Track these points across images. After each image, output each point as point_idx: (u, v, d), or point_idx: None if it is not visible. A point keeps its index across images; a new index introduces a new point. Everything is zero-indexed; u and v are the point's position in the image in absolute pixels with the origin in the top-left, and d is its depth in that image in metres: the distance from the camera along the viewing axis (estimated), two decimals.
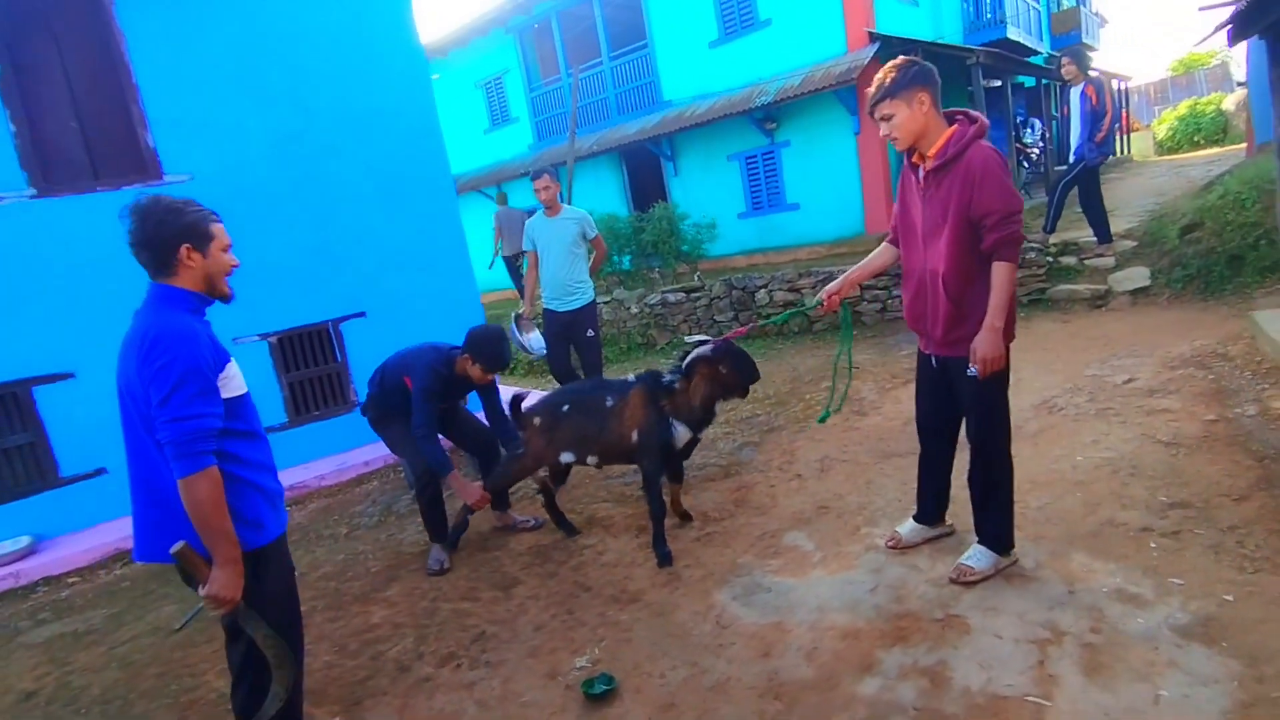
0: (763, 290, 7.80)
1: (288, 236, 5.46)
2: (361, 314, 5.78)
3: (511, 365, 8.49)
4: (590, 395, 3.52)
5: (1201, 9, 9.10)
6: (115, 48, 4.86)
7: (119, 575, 4.31)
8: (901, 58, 2.46)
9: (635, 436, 3.30)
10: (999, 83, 10.23)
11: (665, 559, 3.20)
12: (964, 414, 2.68)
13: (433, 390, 3.41)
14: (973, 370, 2.43)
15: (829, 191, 9.59)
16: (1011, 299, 2.39)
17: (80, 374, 4.82)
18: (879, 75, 2.44)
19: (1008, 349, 2.44)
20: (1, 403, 4.68)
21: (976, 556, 2.68)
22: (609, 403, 3.38)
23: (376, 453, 5.42)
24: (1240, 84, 25.70)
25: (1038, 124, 10.76)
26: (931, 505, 2.97)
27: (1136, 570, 2.58)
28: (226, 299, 1.98)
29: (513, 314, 5.21)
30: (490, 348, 3.41)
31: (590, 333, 4.94)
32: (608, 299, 8.79)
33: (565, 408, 3.50)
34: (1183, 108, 21.14)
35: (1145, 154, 19.80)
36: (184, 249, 1.84)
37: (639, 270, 9.94)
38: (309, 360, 5.64)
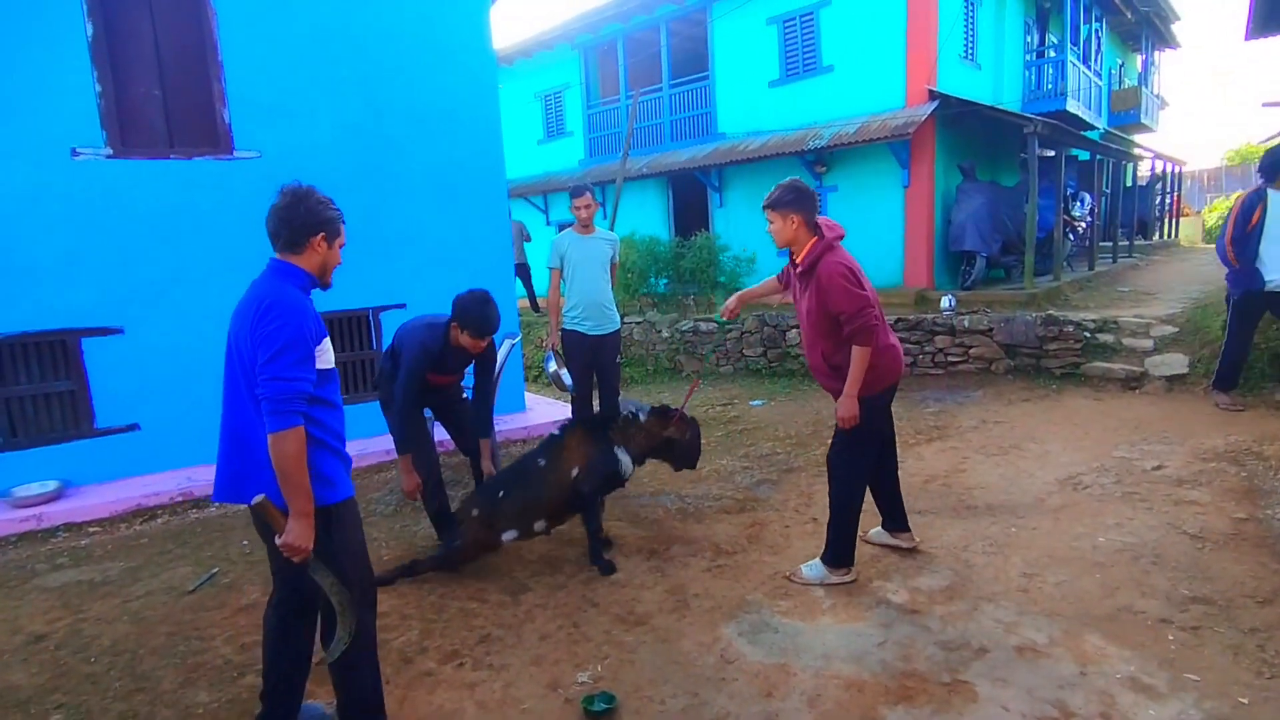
0: (794, 330, 7.82)
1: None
2: (402, 305, 5.89)
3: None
4: (522, 467, 3.61)
5: (1265, 105, 9.05)
6: (206, 24, 5.07)
7: (139, 530, 4.41)
8: (790, 180, 3.08)
9: (575, 472, 3.46)
10: (1052, 153, 10.24)
11: (608, 568, 3.48)
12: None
13: (418, 367, 3.39)
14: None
15: (871, 240, 9.60)
16: (864, 371, 2.99)
17: (129, 331, 4.97)
18: (776, 187, 3.08)
19: (864, 406, 3.05)
20: (50, 349, 4.83)
21: (810, 566, 3.28)
22: (541, 461, 3.51)
23: (384, 444, 5.49)
24: None
25: (1088, 198, 10.73)
26: (885, 513, 3.51)
27: (1152, 660, 2.55)
28: (327, 287, 2.20)
29: (548, 347, 5.21)
30: (474, 311, 3.34)
31: (617, 359, 4.98)
32: (640, 320, 8.87)
33: (501, 493, 3.51)
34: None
35: (1193, 240, 19.61)
36: (320, 236, 2.09)
37: (674, 295, 10.01)
38: (346, 344, 5.75)
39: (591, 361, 4.93)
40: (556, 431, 3.60)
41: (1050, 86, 11.82)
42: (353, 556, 2.15)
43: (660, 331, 8.66)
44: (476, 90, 6.25)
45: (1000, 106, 10.01)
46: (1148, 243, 15.89)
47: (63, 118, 4.71)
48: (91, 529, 4.49)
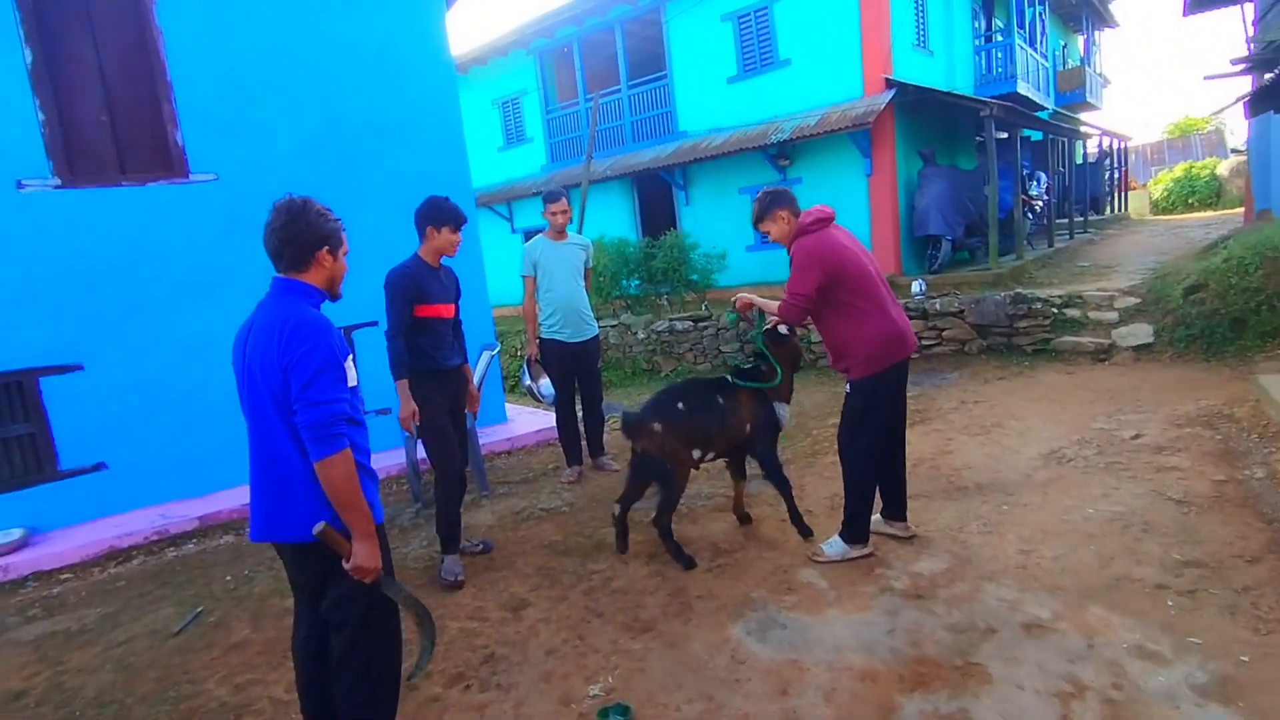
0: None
1: None
2: (374, 323, 5.76)
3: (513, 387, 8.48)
4: (695, 391, 3.58)
5: (1207, 78, 9.37)
6: (151, 43, 4.90)
7: (114, 574, 4.23)
8: (767, 188, 3.36)
9: (748, 429, 3.53)
10: (1005, 135, 10.45)
11: (809, 532, 3.59)
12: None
13: (400, 288, 3.44)
14: (847, 387, 3.28)
15: None
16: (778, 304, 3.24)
17: (89, 366, 4.77)
18: (755, 201, 3.33)
19: (865, 385, 3.19)
20: (6, 391, 4.62)
21: (830, 543, 3.37)
22: (719, 399, 3.51)
23: (380, 463, 5.38)
24: (1235, 150, 26.38)
25: (1043, 177, 10.98)
26: (885, 500, 3.50)
27: (1154, 627, 2.59)
28: (337, 298, 2.13)
29: (524, 358, 5.14)
30: (439, 201, 3.46)
31: (598, 365, 4.94)
32: (615, 323, 8.82)
33: (680, 405, 3.48)
34: (1179, 170, 21.66)
35: (1141, 213, 20.21)
36: (324, 250, 2.02)
37: (647, 296, 9.99)
38: None
39: (572, 369, 4.88)
40: (729, 379, 3.62)
41: (1000, 70, 12.07)
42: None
43: (636, 333, 8.62)
44: (437, 99, 6.16)
45: (954, 92, 10.18)
46: (1100, 218, 16.32)
47: (5, 149, 4.51)
48: (63, 576, 4.29)
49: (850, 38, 9.40)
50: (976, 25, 12.39)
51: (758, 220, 3.29)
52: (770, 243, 3.37)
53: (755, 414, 3.54)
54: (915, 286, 7.67)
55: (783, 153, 10.18)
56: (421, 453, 5.24)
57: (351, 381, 1.99)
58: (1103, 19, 18.74)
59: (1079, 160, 16.53)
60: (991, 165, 8.52)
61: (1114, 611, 2.71)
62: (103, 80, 4.83)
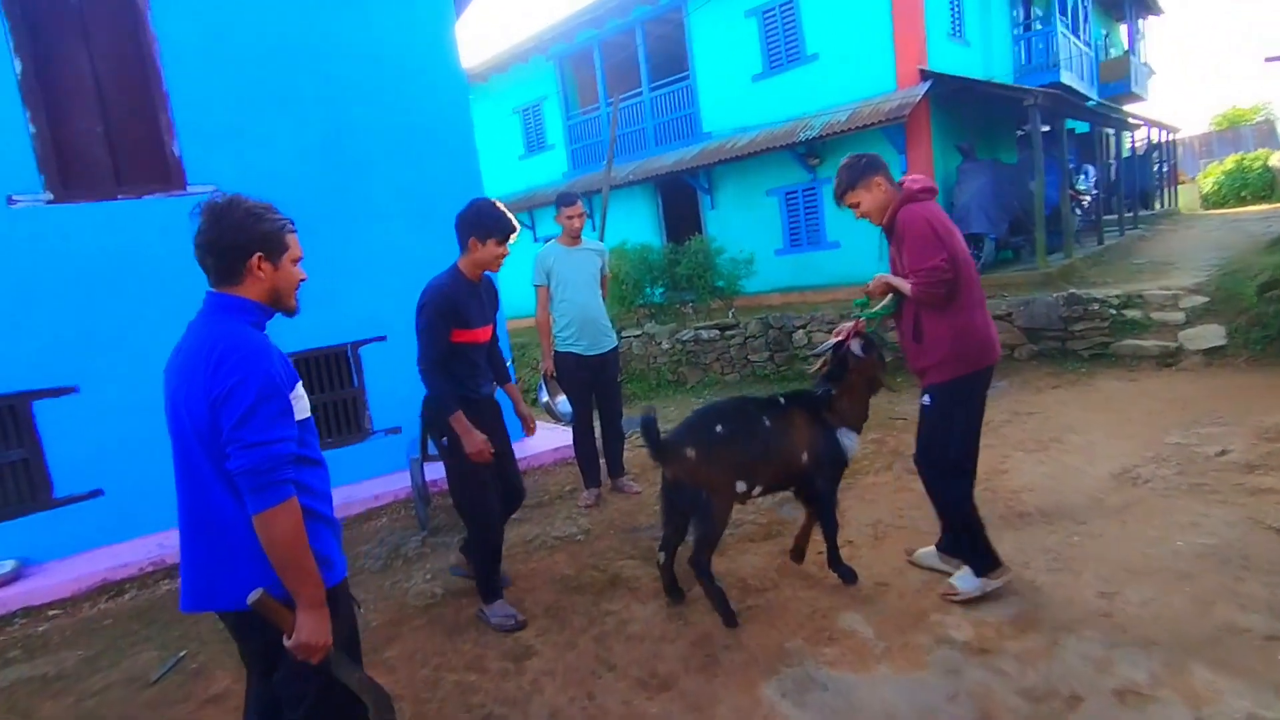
0: (801, 330, 7.43)
1: (311, 254, 5.07)
2: (382, 338, 5.50)
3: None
4: (739, 411, 3.08)
5: (1268, 59, 8.72)
6: (147, 51, 4.70)
7: (103, 610, 3.99)
8: (851, 155, 2.89)
9: (805, 458, 3.01)
10: (1049, 127, 9.89)
11: (851, 576, 3.14)
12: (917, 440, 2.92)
13: (437, 308, 2.93)
14: (926, 399, 2.81)
15: (871, 231, 9.21)
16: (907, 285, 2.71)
17: (84, 389, 4.56)
18: (838, 171, 2.87)
19: (949, 391, 2.75)
20: None
21: (962, 578, 2.85)
22: (766, 421, 3.01)
23: (387, 486, 5.09)
24: None
25: (1091, 170, 10.38)
26: (946, 532, 3.03)
27: (1268, 690, 2.15)
28: (291, 312, 1.82)
29: (542, 372, 4.80)
30: (487, 208, 3.01)
31: (618, 378, 4.59)
32: (638, 333, 8.47)
33: (719, 428, 2.96)
34: (1229, 163, 20.62)
35: (1191, 207, 19.26)
36: (256, 258, 1.67)
37: (671, 304, 9.62)
38: (324, 384, 5.35)
39: (590, 383, 4.54)
40: (782, 399, 3.11)
41: (1040, 60, 11.49)
42: (349, 650, 1.80)
43: (660, 343, 8.26)
44: (447, 105, 5.89)
45: (995, 81, 9.65)
46: (1150, 213, 15.53)
47: None
48: (51, 612, 4.06)
49: (882, 29, 8.96)
50: (1015, 14, 11.81)
51: (847, 188, 2.80)
52: (859, 218, 2.86)
53: (814, 441, 3.00)
54: None
55: (812, 151, 9.75)
56: (430, 475, 4.94)
57: (302, 414, 1.68)
58: (1147, 6, 17.94)
59: (1125, 153, 15.76)
60: (1037, 158, 7.99)
61: (1220, 672, 2.26)
62: (97, 89, 4.64)
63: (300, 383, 1.72)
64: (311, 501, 1.67)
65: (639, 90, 12.42)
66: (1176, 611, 2.61)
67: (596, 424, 4.74)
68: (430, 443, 4.40)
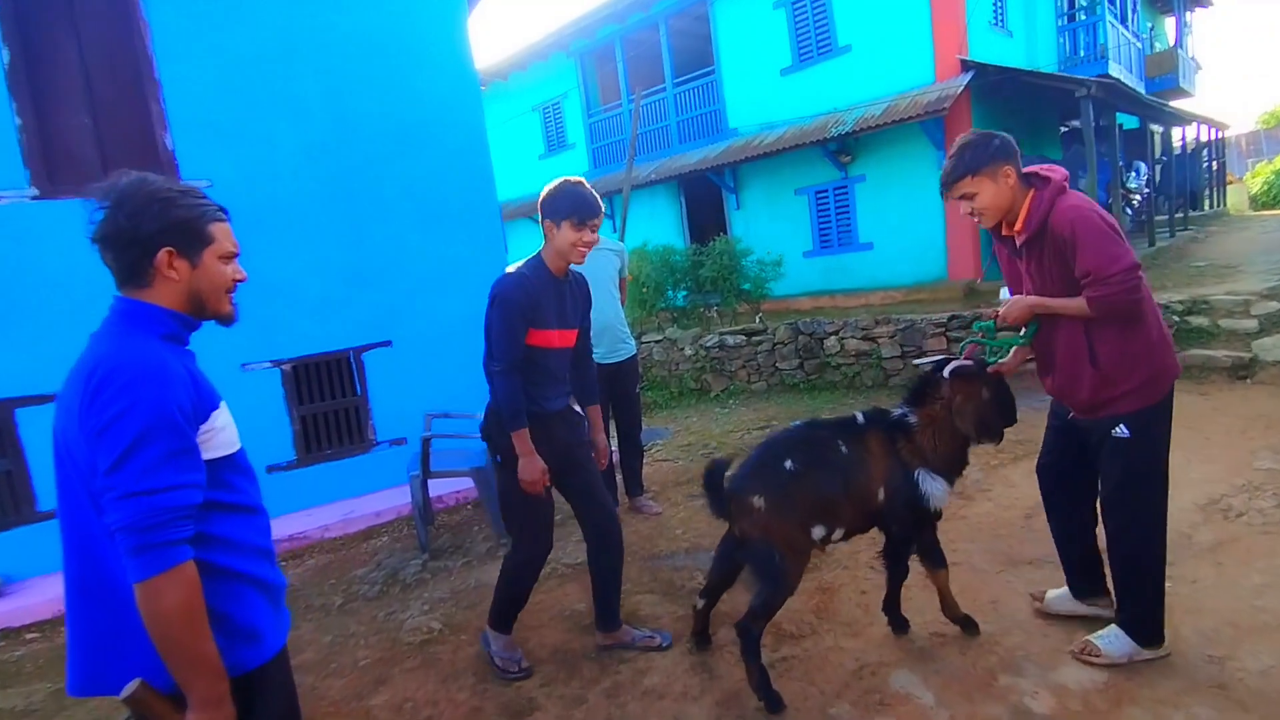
0: (833, 337, 6.99)
1: (312, 254, 4.92)
2: (387, 343, 5.18)
3: None
4: (810, 439, 2.54)
5: None
6: (139, 38, 4.43)
7: None
8: (976, 131, 2.33)
9: (881, 495, 2.46)
10: (1098, 122, 9.34)
11: (903, 627, 2.69)
12: (1102, 479, 2.39)
13: (512, 301, 2.47)
14: (1122, 431, 2.25)
15: (907, 231, 8.78)
16: (1079, 311, 2.18)
17: None
18: (954, 150, 2.29)
19: (1154, 416, 2.25)
20: None
21: (1109, 639, 2.36)
22: (843, 448, 2.46)
23: (389, 502, 4.76)
24: None
25: (1143, 167, 9.79)
26: (1076, 575, 2.60)
27: None
28: (226, 320, 1.46)
29: None
30: (567, 189, 2.52)
31: (637, 388, 4.22)
32: (660, 338, 8.08)
33: (789, 464, 2.43)
34: (1279, 162, 19.74)
35: (1240, 208, 18.42)
36: (164, 254, 1.32)
37: (695, 308, 9.22)
38: (325, 392, 5.03)
39: (606, 394, 4.16)
40: (860, 419, 2.56)
41: (1086, 52, 10.90)
42: None
43: (683, 349, 7.86)
44: (458, 100, 5.57)
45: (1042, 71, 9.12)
46: (1199, 214, 14.80)
47: None
48: (30, 634, 3.79)
49: (920, 17, 8.49)
50: (1059, 3, 11.23)
51: (967, 173, 2.20)
52: (969, 213, 2.29)
53: (889, 476, 2.45)
54: (1004, 293, 6.65)
55: (844, 148, 9.31)
56: (436, 490, 4.61)
57: (225, 448, 1.35)
58: None
59: (1174, 151, 15.05)
60: (1090, 154, 7.47)
61: None
62: (85, 79, 4.38)
63: (221, 409, 1.36)
64: (236, 560, 1.34)
65: (662, 87, 12.05)
66: None
67: (613, 438, 4.37)
68: (433, 458, 4.09)
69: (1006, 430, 2.56)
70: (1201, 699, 2.16)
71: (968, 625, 2.64)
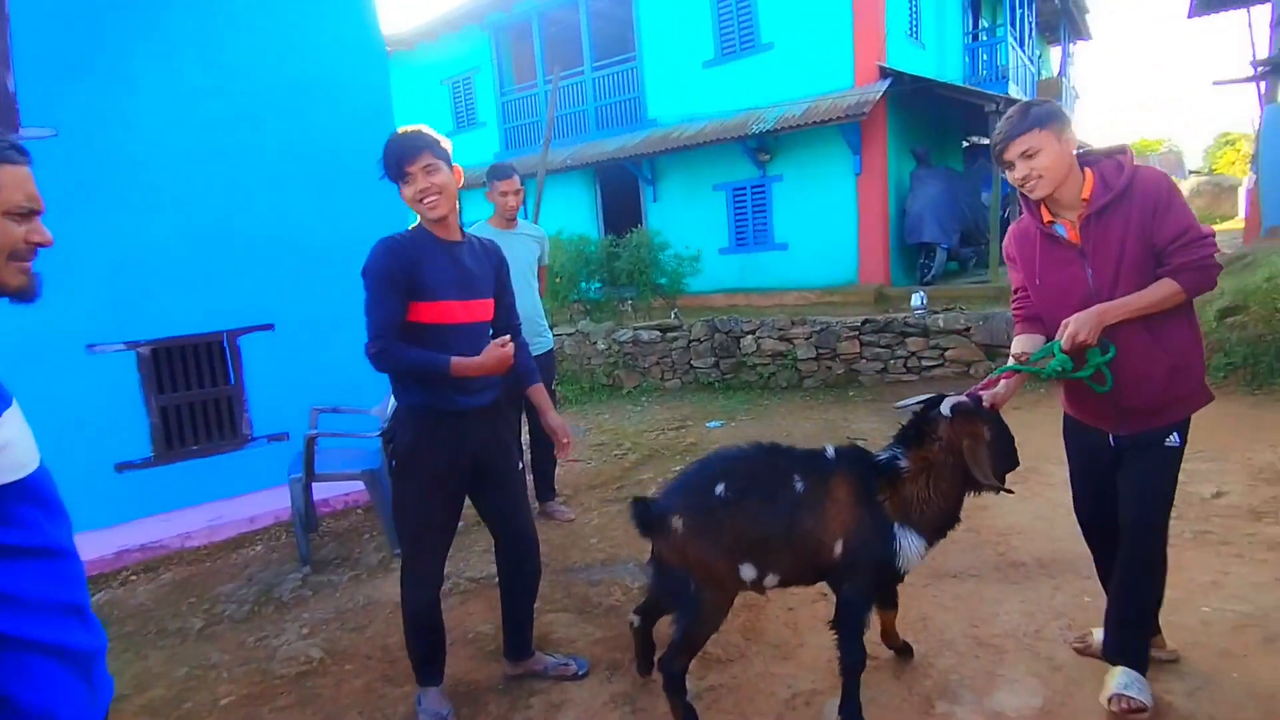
0: (750, 337, 6.91)
1: (179, 221, 4.27)
2: (269, 326, 4.60)
3: None
4: (756, 465, 2.17)
5: (1217, 83, 8.79)
6: None
7: None
8: (1038, 97, 1.93)
9: (839, 548, 2.09)
10: (986, 141, 9.78)
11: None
12: (1136, 498, 2.13)
13: (378, 269, 2.11)
14: (1175, 440, 2.06)
15: (822, 233, 8.86)
16: (1161, 303, 1.94)
17: None
18: (1011, 112, 2.05)
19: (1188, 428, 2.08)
20: None
21: (1134, 683, 2.10)
22: (799, 485, 2.09)
23: (266, 505, 4.23)
24: (1193, 172, 26.75)
25: None
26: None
27: None
28: (16, 295, 1.11)
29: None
30: (386, 149, 2.16)
31: (553, 384, 3.93)
32: (572, 330, 7.77)
33: (721, 488, 2.09)
34: None
35: None
36: None
37: (609, 301, 8.95)
38: (193, 380, 4.40)
39: (519, 392, 3.82)
40: (830, 453, 2.19)
41: (987, 71, 11.41)
42: None
43: (595, 343, 7.59)
44: (358, 55, 5.00)
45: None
46: None
47: None
48: None
49: (842, 20, 8.55)
50: (966, 22, 11.71)
51: (1034, 126, 1.93)
52: (1024, 177, 1.97)
53: (852, 526, 2.08)
54: (915, 299, 6.82)
55: (763, 146, 9.29)
56: (321, 493, 4.13)
57: (7, 473, 0.99)
58: (1078, 30, 18.45)
59: None
60: (995, 167, 7.74)
61: None
62: None
63: (8, 416, 1.00)
64: (20, 622, 1.01)
65: (580, 69, 11.67)
66: (1234, 703, 2.15)
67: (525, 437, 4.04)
68: (319, 458, 3.63)
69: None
70: None
71: (904, 651, 2.50)
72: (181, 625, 3.22)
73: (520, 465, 2.48)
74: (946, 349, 6.38)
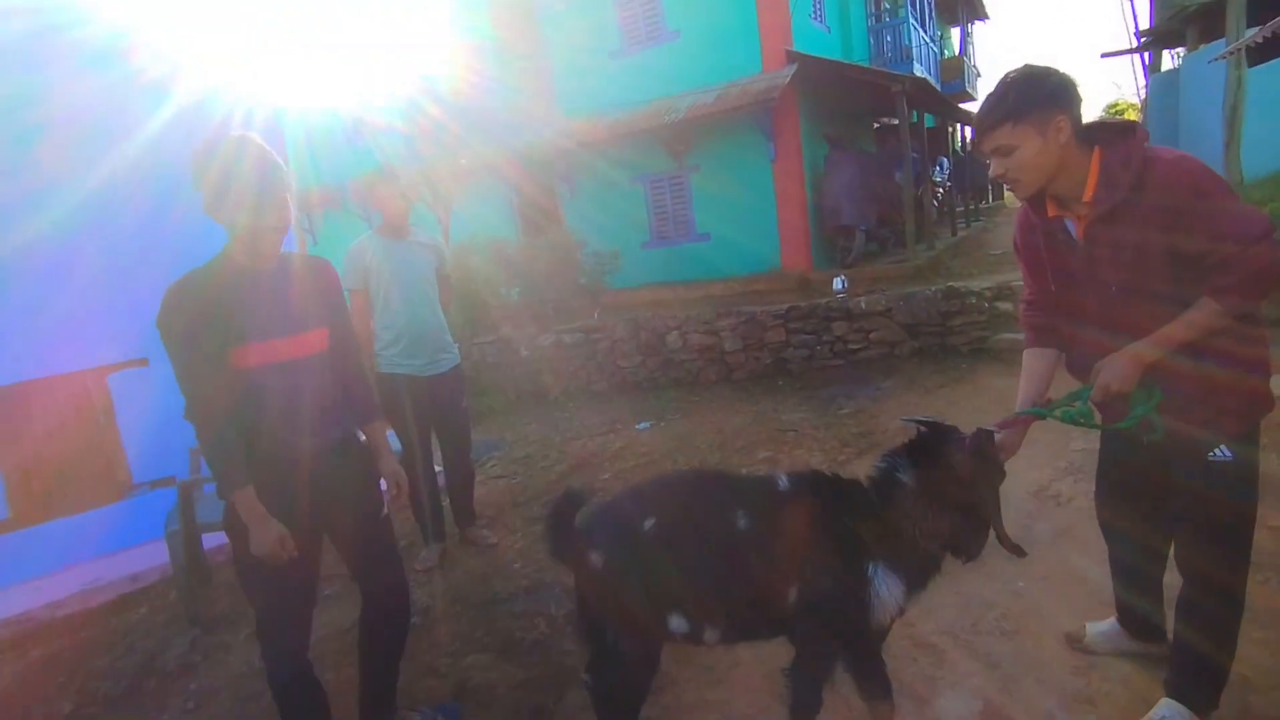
0: (675, 332, 6.76)
1: (30, 236, 3.81)
2: (143, 361, 4.17)
3: None
4: (693, 498, 1.88)
5: (1104, 55, 9.11)
6: None
7: None
8: (1027, 65, 1.69)
9: (793, 594, 1.76)
10: (896, 121, 9.95)
11: None
12: (1176, 511, 1.87)
13: (172, 325, 1.83)
14: (1221, 453, 1.70)
15: (743, 222, 8.79)
16: (1201, 332, 1.62)
17: None
18: (996, 88, 1.69)
19: (1248, 450, 1.72)
20: None
21: (1169, 714, 1.87)
22: (741, 521, 1.78)
23: (153, 559, 3.82)
24: None
25: (945, 161, 10.58)
26: (1140, 618, 2.21)
27: None
28: None
29: None
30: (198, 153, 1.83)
31: (463, 401, 3.67)
32: (492, 338, 7.46)
33: (650, 523, 1.79)
34: None
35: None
36: None
37: (529, 305, 8.66)
38: (55, 426, 3.94)
39: (427, 413, 3.55)
40: (785, 483, 1.86)
41: (892, 53, 11.60)
42: None
43: (518, 350, 7.30)
44: None
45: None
46: (985, 206, 16.48)
47: None
48: None
49: (746, 5, 8.46)
50: (868, 3, 11.86)
51: (1009, 118, 1.63)
52: (1002, 175, 1.69)
53: (813, 568, 1.74)
54: (837, 283, 6.81)
55: (679, 137, 9.13)
56: (215, 541, 3.75)
57: None
58: (975, 11, 19.08)
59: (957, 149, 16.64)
60: (906, 148, 7.84)
61: None
62: None
63: None
64: None
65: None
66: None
67: (438, 462, 3.78)
68: (201, 506, 3.28)
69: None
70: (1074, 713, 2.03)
71: None
72: (48, 712, 2.84)
73: (384, 508, 2.18)
74: (871, 331, 6.38)
